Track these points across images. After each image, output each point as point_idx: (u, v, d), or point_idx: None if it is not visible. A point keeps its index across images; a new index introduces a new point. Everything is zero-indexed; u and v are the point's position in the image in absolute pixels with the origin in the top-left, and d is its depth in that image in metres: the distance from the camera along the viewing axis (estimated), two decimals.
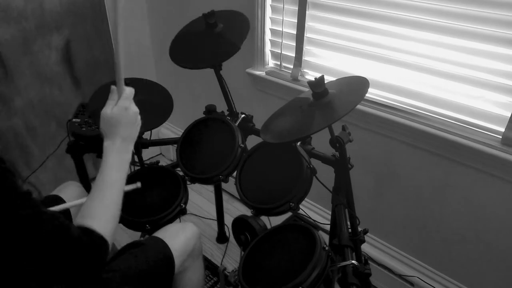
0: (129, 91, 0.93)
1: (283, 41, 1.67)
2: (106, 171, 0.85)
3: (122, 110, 0.90)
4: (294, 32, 1.59)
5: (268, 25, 1.70)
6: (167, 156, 2.58)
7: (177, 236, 1.12)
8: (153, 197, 1.38)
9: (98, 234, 0.77)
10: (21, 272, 0.73)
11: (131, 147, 0.91)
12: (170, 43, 1.42)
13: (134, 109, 0.93)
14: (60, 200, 1.18)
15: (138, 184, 1.14)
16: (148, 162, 1.61)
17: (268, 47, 1.75)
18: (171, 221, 1.31)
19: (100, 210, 0.81)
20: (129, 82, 1.36)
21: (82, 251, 0.74)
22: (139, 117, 0.95)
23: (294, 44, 1.61)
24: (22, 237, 0.67)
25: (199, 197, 2.23)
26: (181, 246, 1.10)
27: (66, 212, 1.17)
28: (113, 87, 0.92)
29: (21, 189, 0.68)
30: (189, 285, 1.19)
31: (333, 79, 1.22)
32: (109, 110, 0.89)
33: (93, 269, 0.76)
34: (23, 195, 0.68)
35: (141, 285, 1.00)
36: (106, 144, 0.88)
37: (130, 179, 1.43)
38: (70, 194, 1.23)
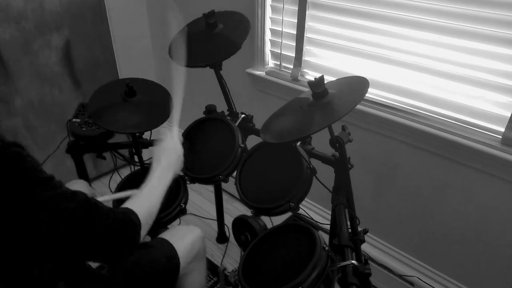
0: (180, 135, 1.20)
1: (283, 41, 1.67)
2: (150, 181, 1.03)
3: (177, 146, 1.15)
4: (294, 32, 1.59)
5: (268, 25, 1.70)
6: None
7: (184, 239, 1.13)
8: None
9: (130, 209, 0.89)
10: (51, 248, 0.78)
11: (171, 173, 1.09)
12: (170, 43, 1.42)
13: (181, 149, 1.17)
14: None
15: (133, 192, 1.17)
16: (148, 162, 1.61)
17: (268, 47, 1.75)
18: (171, 221, 1.31)
19: (140, 201, 0.95)
20: (129, 82, 1.38)
21: (112, 222, 0.82)
22: (182, 156, 1.17)
23: (294, 44, 1.61)
24: (48, 217, 0.72)
25: (199, 197, 2.23)
26: (187, 248, 1.11)
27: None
28: (172, 127, 1.20)
29: (43, 173, 0.75)
30: (192, 287, 1.19)
31: (333, 79, 1.22)
32: (168, 143, 1.14)
33: (125, 242, 0.86)
34: (45, 179, 0.74)
35: (146, 285, 1.01)
36: (155, 164, 1.08)
37: (130, 179, 1.45)
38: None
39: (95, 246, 0.81)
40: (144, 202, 0.96)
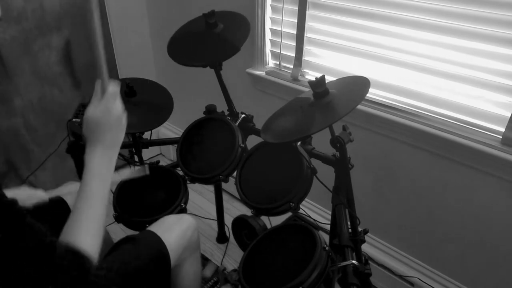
0: (113, 88, 0.82)
1: (283, 41, 1.67)
2: (88, 182, 0.78)
3: (104, 112, 0.80)
4: (294, 32, 1.59)
5: (268, 25, 1.70)
6: (167, 156, 2.58)
7: (172, 229, 1.09)
8: (153, 197, 1.38)
9: (81, 254, 0.72)
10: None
11: (115, 154, 0.82)
12: (169, 41, 1.42)
13: (118, 110, 0.82)
14: (62, 201, 1.17)
15: (146, 170, 1.08)
16: (148, 162, 1.61)
17: (268, 47, 1.75)
18: None
19: (84, 224, 0.75)
20: (129, 82, 1.37)
21: (65, 269, 0.70)
22: (124, 119, 0.84)
23: (294, 44, 1.61)
24: (5, 247, 0.65)
25: (199, 197, 2.23)
26: (176, 239, 1.07)
27: (61, 201, 1.14)
28: (98, 82, 0.82)
29: (6, 199, 0.65)
30: (186, 278, 1.17)
31: (334, 79, 1.22)
32: (91, 111, 0.80)
33: (76, 282, 0.72)
34: (8, 204, 0.65)
35: (136, 280, 0.97)
36: (88, 150, 0.80)
37: (130, 179, 1.44)
38: (73, 194, 1.22)
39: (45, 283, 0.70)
40: (89, 224, 0.76)
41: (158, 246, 1.03)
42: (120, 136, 0.83)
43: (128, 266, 0.97)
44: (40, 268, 0.68)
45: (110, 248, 1.03)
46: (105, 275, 0.92)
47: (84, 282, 0.73)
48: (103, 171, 0.80)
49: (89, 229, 0.75)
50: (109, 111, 0.80)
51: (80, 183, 0.78)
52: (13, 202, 0.66)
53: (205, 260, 1.78)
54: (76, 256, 0.72)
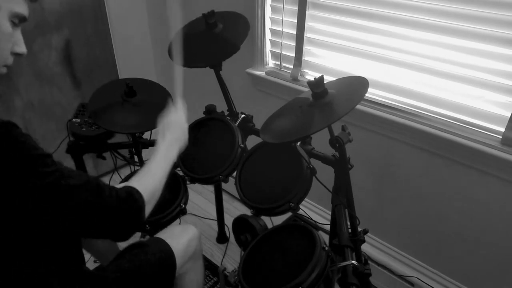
0: (182, 104, 1.14)
1: (283, 41, 1.67)
2: (155, 157, 0.99)
3: (181, 120, 1.11)
4: (294, 32, 1.59)
5: (268, 25, 1.70)
6: None
7: (179, 238, 1.12)
8: None
9: (133, 187, 0.86)
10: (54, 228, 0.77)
11: (177, 148, 1.06)
12: (169, 42, 1.42)
13: (185, 122, 1.13)
14: None
15: None
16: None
17: (268, 47, 1.75)
18: (171, 221, 1.31)
19: (144, 178, 0.93)
20: (129, 82, 1.38)
21: (115, 200, 0.80)
22: (187, 129, 1.13)
23: (294, 44, 1.61)
24: (45, 193, 0.70)
25: (199, 197, 2.23)
26: (183, 247, 1.10)
27: None
28: (175, 99, 1.15)
29: (41, 150, 0.73)
30: (189, 287, 1.19)
31: (333, 79, 1.22)
32: (173, 117, 1.09)
33: (129, 220, 0.83)
34: (42, 155, 0.72)
35: (142, 286, 1.00)
36: (159, 139, 1.04)
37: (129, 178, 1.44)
38: None
39: (98, 226, 0.80)
40: (149, 179, 0.93)
41: (166, 252, 1.06)
42: (184, 138, 1.10)
43: (136, 270, 1.00)
44: (89, 205, 0.76)
45: (118, 254, 1.05)
46: (115, 278, 0.94)
47: (138, 217, 0.85)
48: (167, 154, 1.02)
49: (147, 182, 0.92)
50: (183, 120, 1.12)
51: (149, 161, 0.98)
52: (49, 154, 0.74)
53: (205, 261, 1.78)
54: (128, 188, 0.85)
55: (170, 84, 1.60)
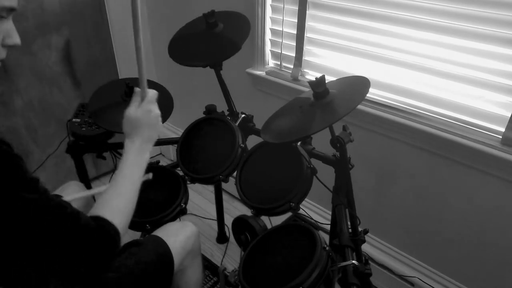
0: (152, 94, 0.97)
1: (283, 41, 1.67)
2: (124, 167, 0.89)
3: (145, 112, 0.94)
4: (294, 32, 1.59)
5: (268, 25, 1.70)
6: (167, 156, 2.58)
7: (177, 235, 1.12)
8: (153, 197, 1.37)
9: (109, 222, 0.77)
10: (25, 260, 0.72)
11: (150, 148, 0.95)
12: (169, 42, 1.42)
13: (156, 111, 0.97)
14: None
15: (150, 176, 1.09)
16: (148, 162, 1.61)
17: (268, 47, 1.75)
18: (171, 221, 1.31)
19: (114, 202, 0.83)
20: (129, 82, 1.37)
21: (91, 238, 0.73)
22: (160, 119, 0.98)
23: (294, 44, 1.61)
24: (27, 222, 0.66)
25: (199, 197, 2.23)
26: (180, 245, 1.10)
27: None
28: (136, 89, 0.96)
29: (28, 174, 0.68)
30: (188, 284, 1.19)
31: (334, 79, 1.22)
32: (132, 111, 0.94)
33: (103, 258, 0.76)
34: (30, 180, 0.68)
35: (140, 284, 1.00)
36: (127, 142, 0.93)
37: None
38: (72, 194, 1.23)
39: (70, 260, 0.73)
40: (119, 201, 0.84)
41: (163, 250, 1.06)
42: (155, 133, 0.97)
43: (134, 268, 0.99)
44: (64, 240, 0.70)
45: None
46: (112, 276, 0.94)
47: (112, 253, 0.77)
48: (138, 160, 0.92)
49: (119, 207, 0.82)
50: (149, 112, 0.95)
51: (117, 169, 0.89)
52: (36, 178, 0.69)
53: (205, 261, 1.78)
54: (102, 223, 0.76)
55: (170, 84, 1.61)
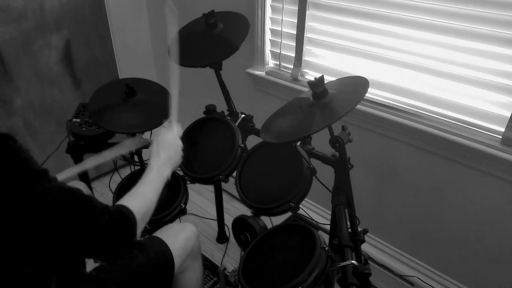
0: (178, 128, 1.19)
1: (283, 41, 1.67)
2: (149, 176, 1.01)
3: (175, 140, 1.15)
4: (294, 32, 1.59)
5: (268, 25, 1.70)
6: None
7: (177, 236, 1.12)
8: None
9: (126, 207, 0.86)
10: (41, 248, 0.76)
11: (171, 167, 1.09)
12: (169, 42, 1.42)
13: (180, 143, 1.16)
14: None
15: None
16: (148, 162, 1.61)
17: (268, 47, 1.75)
18: (171, 221, 1.31)
19: (137, 198, 0.93)
20: (129, 82, 1.38)
21: (108, 221, 0.80)
22: (181, 151, 1.15)
23: (294, 44, 1.61)
24: (49, 209, 0.71)
25: (199, 197, 2.23)
26: (181, 246, 1.11)
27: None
28: (170, 120, 1.20)
29: (37, 166, 0.74)
30: (189, 285, 1.19)
31: (333, 79, 1.22)
32: (167, 135, 1.13)
33: (121, 241, 0.83)
34: (41, 171, 0.73)
35: (141, 285, 1.00)
36: (154, 158, 1.07)
37: (130, 179, 1.44)
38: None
39: (89, 245, 0.80)
40: (141, 198, 0.94)
41: (164, 251, 1.06)
42: (178, 159, 1.14)
43: (135, 270, 0.99)
44: (82, 224, 0.77)
45: None
46: (113, 278, 0.94)
47: (130, 237, 0.85)
48: (162, 173, 1.04)
49: (138, 199, 0.93)
50: (177, 140, 1.15)
51: (142, 179, 1.00)
52: (45, 170, 0.75)
53: (205, 261, 1.78)
54: (119, 207, 0.86)
55: (168, 82, 1.61)
